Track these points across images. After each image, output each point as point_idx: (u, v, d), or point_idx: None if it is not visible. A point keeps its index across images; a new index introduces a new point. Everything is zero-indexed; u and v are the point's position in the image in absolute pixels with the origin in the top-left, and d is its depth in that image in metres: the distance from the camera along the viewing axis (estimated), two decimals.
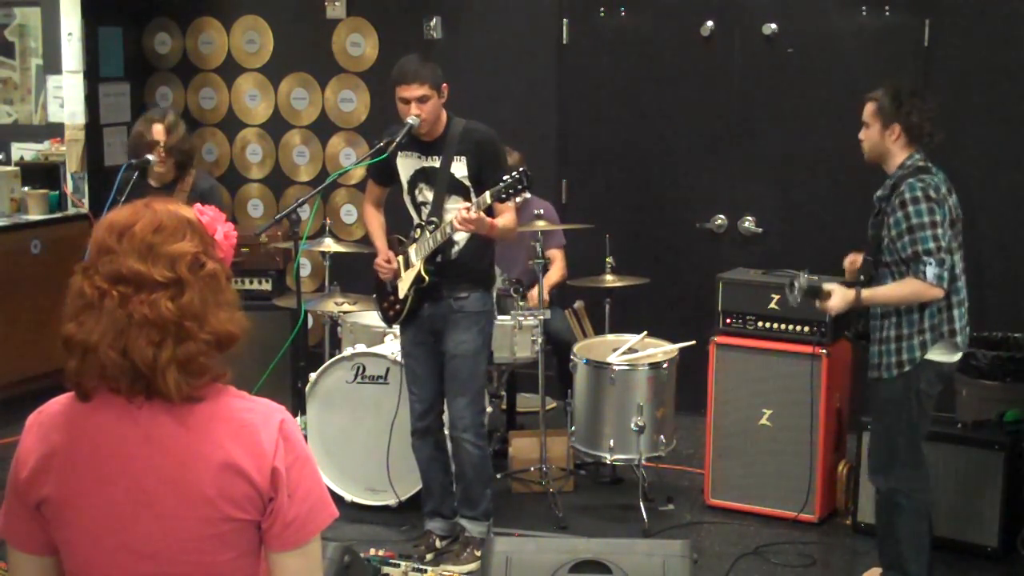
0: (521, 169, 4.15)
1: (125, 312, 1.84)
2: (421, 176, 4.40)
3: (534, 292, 5.22)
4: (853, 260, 4.22)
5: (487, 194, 4.17)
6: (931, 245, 3.79)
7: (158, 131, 4.95)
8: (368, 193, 4.67)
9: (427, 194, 4.39)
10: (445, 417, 4.62)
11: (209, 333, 1.88)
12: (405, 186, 4.45)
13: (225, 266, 1.97)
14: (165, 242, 1.88)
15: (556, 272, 5.69)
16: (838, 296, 3.94)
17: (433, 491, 4.66)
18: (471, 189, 4.32)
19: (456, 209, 4.27)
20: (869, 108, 4.02)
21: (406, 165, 4.42)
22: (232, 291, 1.96)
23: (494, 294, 4.61)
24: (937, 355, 3.92)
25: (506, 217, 4.35)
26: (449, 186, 4.34)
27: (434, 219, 4.34)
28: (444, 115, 4.38)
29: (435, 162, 4.35)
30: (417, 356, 4.53)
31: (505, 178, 4.13)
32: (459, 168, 4.33)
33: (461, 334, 4.40)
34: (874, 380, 4.02)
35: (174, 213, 1.93)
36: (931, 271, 3.79)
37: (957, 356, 4.00)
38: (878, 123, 3.98)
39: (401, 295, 4.47)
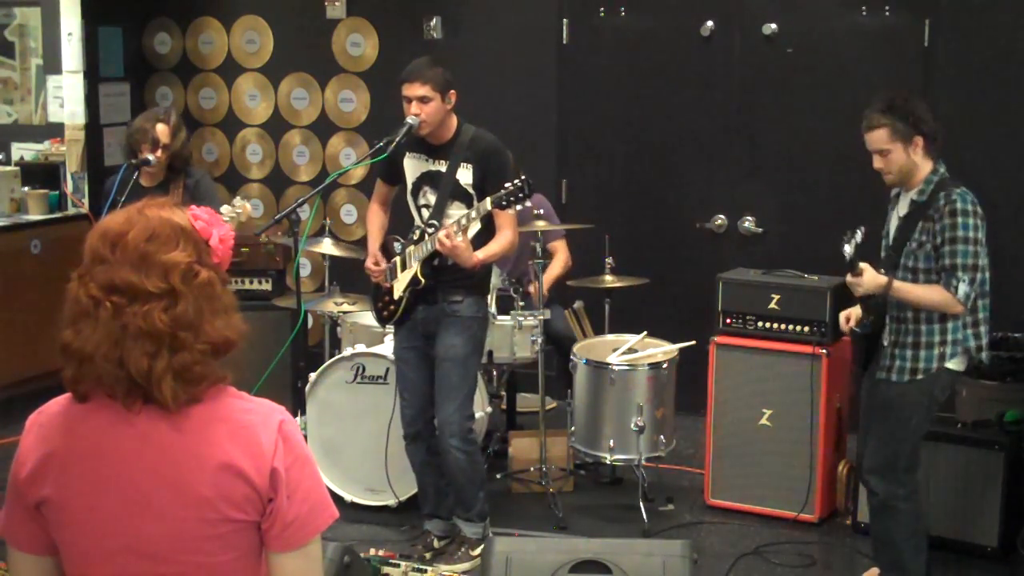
0: (523, 177, 4.14)
1: (119, 323, 1.84)
2: (426, 179, 4.40)
3: (535, 286, 5.21)
4: (848, 316, 4.19)
5: (488, 200, 4.18)
6: (969, 261, 3.81)
7: (162, 131, 4.95)
8: (376, 191, 4.67)
9: (430, 197, 4.39)
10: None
11: (205, 342, 1.87)
12: (409, 187, 4.46)
13: (221, 271, 1.96)
14: (158, 251, 1.88)
15: (559, 264, 5.68)
16: (870, 275, 3.90)
17: (428, 494, 4.66)
18: (474, 197, 4.32)
19: (458, 215, 4.28)
20: (882, 135, 3.91)
21: (412, 166, 4.43)
22: (229, 296, 1.95)
23: (490, 301, 4.60)
24: (954, 364, 3.95)
25: (502, 237, 4.34)
26: (453, 192, 4.34)
27: (435, 223, 4.33)
28: (454, 121, 4.38)
29: (441, 166, 4.36)
30: (408, 360, 4.53)
31: (507, 185, 4.13)
32: (464, 175, 4.33)
33: (452, 338, 4.40)
34: (880, 381, 4.01)
35: (167, 220, 1.92)
36: (963, 288, 3.81)
37: (966, 364, 4.01)
38: (899, 143, 3.91)
39: (396, 296, 4.47)
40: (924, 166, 3.94)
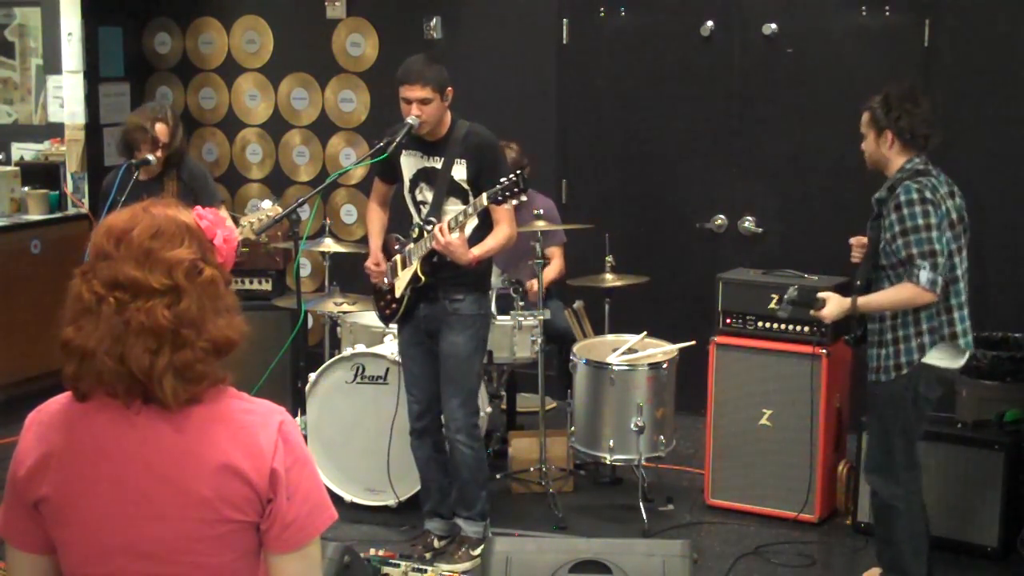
0: (518, 172, 4.14)
1: (122, 319, 1.83)
2: (422, 176, 4.40)
3: (533, 282, 5.21)
4: (860, 239, 4.21)
5: (484, 196, 4.18)
6: (925, 248, 3.79)
7: (162, 131, 4.98)
8: (374, 190, 4.67)
9: (427, 194, 4.40)
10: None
11: (207, 340, 1.87)
12: (406, 184, 4.46)
13: (224, 271, 1.96)
14: (163, 248, 1.88)
15: (554, 269, 5.68)
16: (833, 304, 3.95)
17: (431, 491, 4.66)
18: (470, 192, 4.32)
19: (455, 211, 4.29)
20: (864, 118, 4.03)
21: (408, 163, 4.43)
22: (231, 296, 1.95)
23: (491, 298, 4.59)
24: (938, 359, 3.92)
25: (498, 232, 4.34)
26: (449, 188, 4.34)
27: (433, 219, 4.34)
28: (448, 116, 4.38)
29: (436, 163, 4.36)
30: (414, 357, 4.53)
31: (502, 180, 4.13)
32: (459, 171, 4.33)
33: (455, 335, 4.40)
34: (872, 383, 4.02)
35: (172, 218, 1.92)
36: (924, 275, 3.79)
37: (961, 361, 3.98)
38: (872, 132, 3.99)
39: (397, 294, 4.47)
40: (896, 161, 3.96)
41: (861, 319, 4.04)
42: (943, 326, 3.91)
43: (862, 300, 3.92)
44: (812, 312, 4.01)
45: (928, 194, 3.82)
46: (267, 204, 4.30)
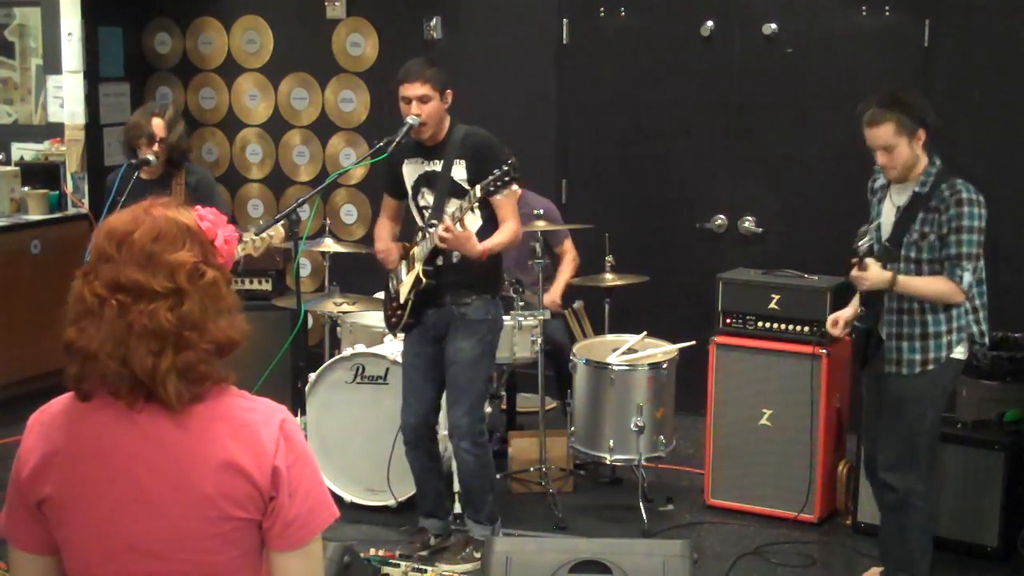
0: (510, 162, 4.12)
1: (124, 321, 1.84)
2: (423, 180, 4.40)
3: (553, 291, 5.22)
4: (835, 321, 4.23)
5: (477, 188, 4.17)
6: (974, 250, 3.83)
7: (158, 125, 4.95)
8: (383, 207, 4.65)
9: (428, 198, 4.39)
10: (438, 426, 4.61)
11: (209, 341, 1.88)
12: (409, 192, 4.46)
13: (225, 272, 1.97)
14: (164, 251, 1.88)
15: (570, 267, 5.69)
16: (875, 271, 3.90)
17: (428, 497, 4.65)
18: (470, 192, 4.32)
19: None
20: (887, 130, 3.87)
21: (410, 171, 4.43)
22: (233, 296, 1.96)
23: (499, 301, 4.56)
24: (958, 353, 3.97)
25: (506, 228, 4.33)
26: (450, 189, 4.34)
27: (434, 222, 4.33)
28: (447, 120, 4.38)
29: (436, 166, 4.36)
30: (416, 366, 4.51)
31: (495, 171, 4.12)
32: (458, 172, 4.33)
33: (461, 341, 4.38)
34: (889, 375, 4.00)
35: (174, 220, 1.92)
36: (967, 277, 3.83)
37: (967, 354, 4.02)
38: (903, 138, 3.87)
39: (402, 299, 4.45)
40: (923, 158, 3.95)
41: (880, 304, 4.01)
42: (971, 325, 3.95)
43: (903, 279, 3.89)
44: (855, 272, 3.94)
45: (982, 197, 3.86)
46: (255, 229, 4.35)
